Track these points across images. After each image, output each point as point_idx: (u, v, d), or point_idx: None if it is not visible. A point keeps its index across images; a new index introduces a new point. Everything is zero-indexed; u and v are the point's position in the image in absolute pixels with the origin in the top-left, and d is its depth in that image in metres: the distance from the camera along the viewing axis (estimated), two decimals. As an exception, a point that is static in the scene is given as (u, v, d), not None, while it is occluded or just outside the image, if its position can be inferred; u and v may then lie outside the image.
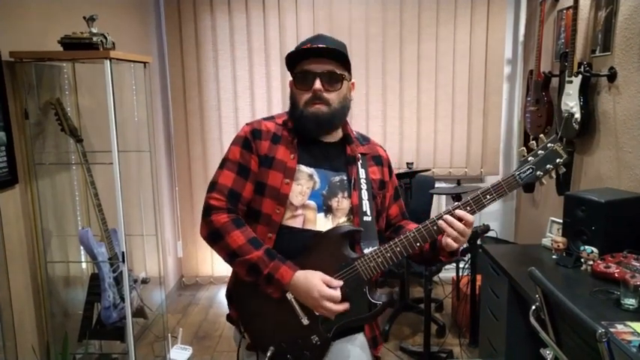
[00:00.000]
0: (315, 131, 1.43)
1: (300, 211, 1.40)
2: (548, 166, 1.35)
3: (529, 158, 1.36)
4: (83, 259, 2.55)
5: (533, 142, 1.38)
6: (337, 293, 1.32)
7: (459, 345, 3.14)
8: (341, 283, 1.34)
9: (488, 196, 1.34)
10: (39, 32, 2.29)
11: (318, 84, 1.38)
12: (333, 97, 1.40)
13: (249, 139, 1.43)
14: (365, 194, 1.44)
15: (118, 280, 2.41)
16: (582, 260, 2.16)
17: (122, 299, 2.40)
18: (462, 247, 1.40)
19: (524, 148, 1.40)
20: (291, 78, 1.46)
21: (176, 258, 4.20)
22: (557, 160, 1.35)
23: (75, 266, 2.55)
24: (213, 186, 1.42)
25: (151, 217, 3.06)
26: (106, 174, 2.40)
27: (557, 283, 2.00)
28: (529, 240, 3.74)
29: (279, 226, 1.39)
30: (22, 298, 2.18)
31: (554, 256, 2.30)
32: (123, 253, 2.34)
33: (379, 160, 1.55)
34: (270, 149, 1.43)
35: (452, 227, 1.32)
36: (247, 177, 1.42)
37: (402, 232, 1.45)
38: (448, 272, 3.77)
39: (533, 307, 1.69)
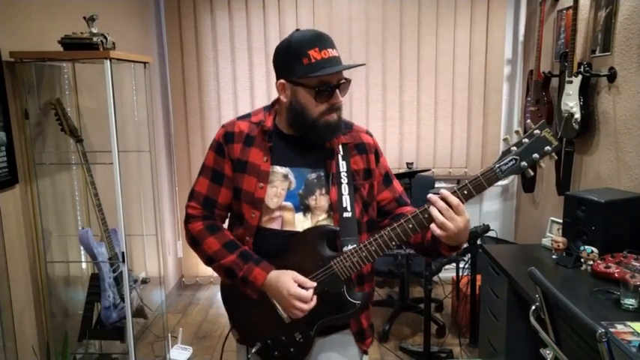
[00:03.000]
0: (328, 138, 1.41)
1: (277, 213, 1.39)
2: (534, 155, 1.23)
3: (512, 148, 1.24)
4: (83, 259, 2.55)
5: (519, 129, 1.27)
6: (307, 293, 1.31)
7: (458, 345, 3.14)
8: (314, 284, 1.33)
9: (465, 192, 1.26)
10: (39, 32, 2.29)
11: (339, 97, 1.36)
12: (341, 102, 1.39)
13: (222, 143, 1.43)
14: (345, 189, 1.40)
15: (118, 280, 2.41)
16: (582, 260, 2.16)
17: (122, 299, 2.40)
18: (462, 243, 1.33)
19: (507, 136, 1.28)
20: (282, 81, 1.37)
21: (176, 258, 4.20)
22: (546, 148, 1.22)
23: (75, 266, 2.55)
24: (191, 194, 1.47)
25: (151, 217, 3.06)
26: (106, 174, 2.41)
27: (557, 283, 2.00)
28: (529, 240, 3.74)
29: (257, 229, 1.40)
30: (22, 298, 2.18)
31: (554, 256, 2.30)
32: (123, 253, 2.34)
33: (363, 147, 1.48)
34: (243, 152, 1.41)
35: (438, 210, 1.25)
36: (221, 183, 1.43)
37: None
38: (448, 272, 3.76)
39: (533, 307, 1.69)
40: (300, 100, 1.36)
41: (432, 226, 1.26)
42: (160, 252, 3.10)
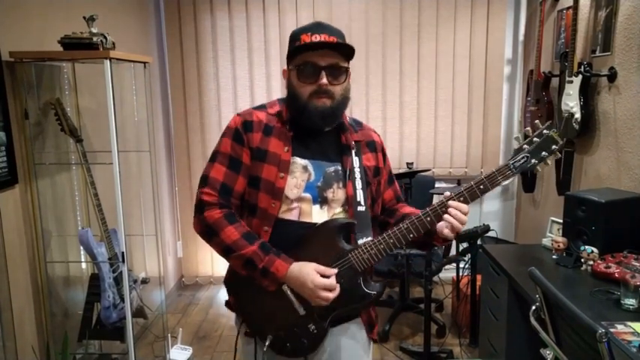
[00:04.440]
0: (319, 125, 1.41)
1: (295, 204, 1.40)
2: (543, 153, 1.34)
3: (524, 146, 1.34)
4: (83, 259, 2.55)
5: (529, 129, 1.36)
6: (332, 281, 1.33)
7: (459, 345, 3.13)
8: (335, 271, 1.35)
9: (481, 187, 1.33)
10: (39, 32, 2.29)
11: (324, 79, 1.34)
12: (337, 89, 1.38)
13: (241, 131, 1.41)
14: (359, 183, 1.43)
15: (117, 280, 2.41)
16: (582, 260, 2.16)
17: (122, 299, 2.40)
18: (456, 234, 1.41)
19: (519, 135, 1.38)
20: (285, 66, 1.43)
21: (176, 258, 4.20)
22: (553, 147, 1.34)
23: (75, 266, 2.55)
24: (204, 180, 1.41)
25: (151, 217, 3.06)
26: (106, 174, 2.40)
27: (557, 283, 2.00)
28: (529, 240, 3.74)
29: (275, 219, 1.39)
30: (22, 298, 2.18)
31: (554, 256, 2.30)
32: (123, 253, 2.34)
33: (373, 146, 1.52)
34: (262, 141, 1.40)
35: (452, 217, 1.32)
36: (239, 170, 1.40)
37: (396, 216, 1.51)
38: (448, 272, 3.77)
39: (534, 307, 1.69)
40: (292, 82, 1.40)
41: (446, 231, 1.34)
42: (160, 252, 3.10)
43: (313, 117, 1.37)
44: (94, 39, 2.18)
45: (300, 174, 1.40)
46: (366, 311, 1.50)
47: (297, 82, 1.38)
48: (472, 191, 1.34)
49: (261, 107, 1.47)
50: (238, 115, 1.45)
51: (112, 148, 2.22)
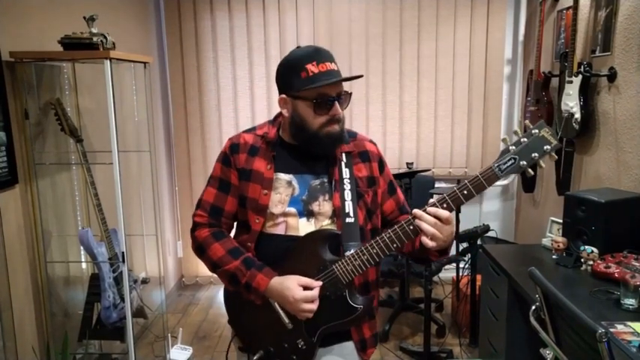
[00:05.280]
0: (331, 149, 1.43)
1: (281, 219, 1.41)
2: (534, 155, 1.23)
3: (510, 147, 1.25)
4: (83, 259, 2.55)
5: (517, 129, 1.27)
6: (313, 293, 1.32)
7: (459, 345, 3.14)
8: (320, 283, 1.34)
9: (465, 192, 1.27)
10: (39, 32, 2.29)
11: (339, 109, 1.38)
12: (343, 114, 1.41)
13: (228, 154, 1.47)
14: (348, 195, 1.42)
15: (117, 280, 2.41)
16: (582, 260, 2.16)
17: (122, 299, 2.40)
18: (449, 247, 1.35)
19: (506, 137, 1.28)
20: (283, 96, 1.40)
21: (176, 258, 4.20)
22: (546, 148, 1.23)
23: (75, 266, 2.55)
24: (198, 203, 1.51)
25: (150, 217, 3.06)
26: (106, 174, 2.41)
27: (557, 283, 2.00)
28: (529, 240, 3.74)
29: (260, 234, 1.42)
30: (22, 298, 2.18)
31: (554, 256, 2.30)
32: (123, 253, 2.34)
33: (366, 155, 1.50)
34: (247, 162, 1.45)
35: (427, 223, 1.27)
36: (228, 191, 1.47)
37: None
38: (448, 272, 3.76)
39: (533, 307, 1.69)
40: (301, 113, 1.39)
41: (424, 238, 1.28)
42: (160, 252, 3.10)
43: (327, 144, 1.40)
44: (94, 39, 2.18)
45: (283, 189, 1.43)
46: (358, 329, 1.46)
47: (311, 114, 1.37)
48: (455, 197, 1.28)
49: (251, 130, 1.53)
50: (229, 139, 1.52)
51: (112, 148, 2.22)
